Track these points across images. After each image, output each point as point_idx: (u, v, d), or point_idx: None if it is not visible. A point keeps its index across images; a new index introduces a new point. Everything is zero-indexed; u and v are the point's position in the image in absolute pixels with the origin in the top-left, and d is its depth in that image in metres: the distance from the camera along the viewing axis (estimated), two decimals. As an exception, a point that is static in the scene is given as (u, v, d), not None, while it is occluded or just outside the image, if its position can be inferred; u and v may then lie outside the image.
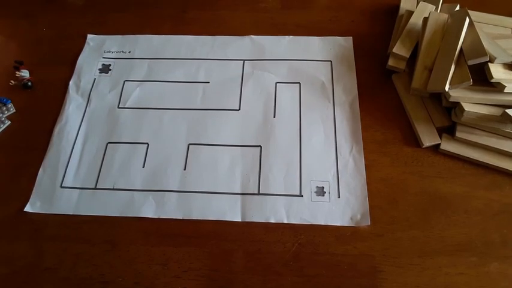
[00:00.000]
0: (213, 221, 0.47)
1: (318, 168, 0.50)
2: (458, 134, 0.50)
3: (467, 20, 0.52)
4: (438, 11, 0.60)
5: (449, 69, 0.50)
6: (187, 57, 0.61)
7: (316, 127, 0.53)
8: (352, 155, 0.51)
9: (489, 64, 0.49)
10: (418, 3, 0.62)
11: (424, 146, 0.51)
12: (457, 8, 0.59)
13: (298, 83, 0.57)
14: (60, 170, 0.52)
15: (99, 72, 0.60)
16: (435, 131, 0.51)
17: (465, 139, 0.50)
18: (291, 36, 0.63)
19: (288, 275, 0.44)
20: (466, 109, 0.48)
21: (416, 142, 0.52)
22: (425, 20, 0.56)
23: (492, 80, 0.48)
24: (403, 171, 0.50)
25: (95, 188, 0.50)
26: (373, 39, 0.61)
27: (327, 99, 0.56)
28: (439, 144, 0.50)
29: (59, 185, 0.50)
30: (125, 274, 0.45)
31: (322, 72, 0.58)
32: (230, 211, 0.48)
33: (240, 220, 0.47)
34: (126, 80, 0.59)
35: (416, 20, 0.58)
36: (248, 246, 0.46)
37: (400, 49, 0.56)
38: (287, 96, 0.56)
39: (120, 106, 0.57)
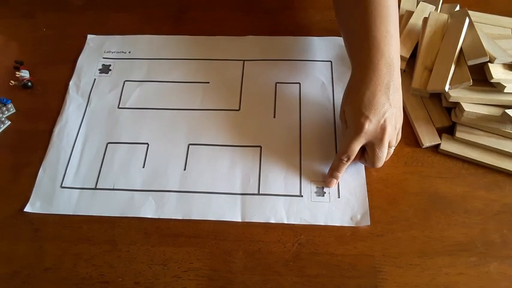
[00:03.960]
0: (213, 221, 0.47)
1: (317, 169, 0.50)
2: (458, 134, 0.50)
3: (467, 20, 0.52)
4: (438, 11, 0.60)
5: (449, 69, 0.50)
6: (187, 57, 0.61)
7: (316, 127, 0.53)
8: (352, 155, 0.51)
9: (489, 64, 0.49)
10: (418, 3, 0.62)
11: (424, 146, 0.51)
12: (457, 8, 0.59)
13: (298, 83, 0.58)
14: (60, 170, 0.52)
15: (99, 73, 0.60)
16: (435, 131, 0.51)
17: (465, 139, 0.50)
18: (291, 36, 0.63)
19: (288, 275, 0.44)
20: (466, 109, 0.48)
21: (416, 142, 0.52)
22: (425, 20, 0.56)
23: (492, 80, 0.48)
24: (403, 171, 0.50)
25: (95, 188, 0.50)
26: (373, 39, 0.61)
27: (327, 99, 0.56)
28: (439, 144, 0.50)
29: (59, 185, 0.51)
30: (125, 274, 0.45)
31: (322, 72, 0.58)
32: (230, 211, 0.48)
33: (240, 220, 0.47)
34: (126, 80, 0.59)
35: (416, 20, 0.58)
36: (248, 246, 0.46)
37: (400, 49, 0.56)
38: (287, 96, 0.56)
39: (120, 106, 0.57)
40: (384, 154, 0.45)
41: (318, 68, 0.59)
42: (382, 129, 0.43)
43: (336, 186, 0.49)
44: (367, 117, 0.43)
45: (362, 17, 0.46)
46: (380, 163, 0.46)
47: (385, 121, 0.43)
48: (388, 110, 0.43)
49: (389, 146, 0.46)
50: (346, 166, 0.47)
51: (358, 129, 0.44)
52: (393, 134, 0.45)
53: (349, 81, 0.48)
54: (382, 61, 0.44)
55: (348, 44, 0.51)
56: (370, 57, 0.44)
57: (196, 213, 0.48)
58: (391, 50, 0.45)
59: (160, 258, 0.45)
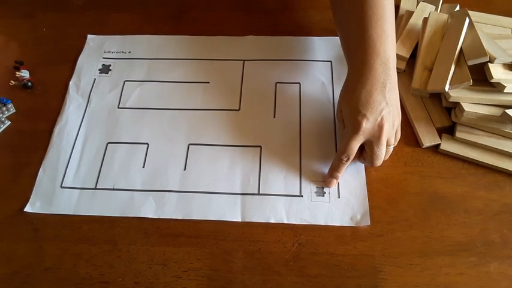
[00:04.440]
0: (213, 221, 0.47)
1: (317, 169, 0.50)
2: (458, 134, 0.50)
3: (467, 20, 0.52)
4: (438, 11, 0.60)
5: (449, 69, 0.50)
6: (187, 57, 0.61)
7: (316, 127, 0.53)
8: (352, 155, 0.51)
9: (489, 64, 0.49)
10: (418, 3, 0.62)
11: (424, 146, 0.51)
12: (457, 8, 0.59)
13: (298, 83, 0.58)
14: (60, 170, 0.52)
15: (99, 73, 0.60)
16: (435, 131, 0.51)
17: (465, 139, 0.50)
18: (291, 36, 0.63)
19: (288, 275, 0.44)
20: (466, 109, 0.48)
21: (416, 142, 0.52)
22: (425, 20, 0.56)
23: (492, 80, 0.48)
24: (403, 171, 0.50)
25: (95, 188, 0.50)
26: (373, 39, 0.61)
27: (327, 99, 0.56)
28: (439, 144, 0.50)
29: (59, 185, 0.50)
30: (125, 274, 0.45)
31: (322, 72, 0.58)
32: (230, 211, 0.48)
33: (240, 220, 0.47)
34: (126, 80, 0.59)
35: (416, 20, 0.58)
36: (248, 246, 0.46)
37: (400, 49, 0.56)
38: (287, 96, 0.56)
39: (120, 106, 0.57)
40: (383, 152, 0.45)
41: (318, 68, 0.59)
42: (380, 127, 0.44)
43: (336, 186, 0.49)
44: (364, 116, 0.43)
45: (358, 17, 0.46)
46: (379, 162, 0.46)
47: (382, 119, 0.43)
48: (385, 108, 0.44)
49: (388, 145, 0.46)
50: (346, 166, 0.47)
51: (356, 128, 0.44)
52: (391, 132, 0.45)
53: (345, 80, 0.48)
54: (377, 60, 0.44)
55: (344, 44, 0.51)
56: (366, 57, 0.45)
57: (196, 213, 0.48)
58: (387, 49, 0.45)
59: (160, 258, 0.45)
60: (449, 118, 0.52)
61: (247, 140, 0.53)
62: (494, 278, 0.43)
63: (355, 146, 0.45)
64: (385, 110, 0.44)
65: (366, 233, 0.46)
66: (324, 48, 0.61)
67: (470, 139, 0.49)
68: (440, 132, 0.51)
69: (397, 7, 0.63)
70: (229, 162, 0.51)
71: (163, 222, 0.48)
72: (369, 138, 0.45)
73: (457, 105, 0.50)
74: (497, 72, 0.48)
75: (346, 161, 0.46)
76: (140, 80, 0.59)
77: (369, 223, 0.46)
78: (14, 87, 0.59)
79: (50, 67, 0.61)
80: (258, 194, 0.49)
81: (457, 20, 0.53)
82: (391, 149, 0.47)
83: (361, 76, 0.45)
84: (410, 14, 0.60)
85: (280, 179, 0.50)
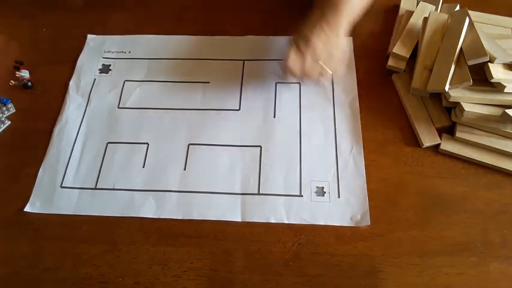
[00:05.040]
0: (213, 221, 0.47)
1: (318, 168, 0.50)
2: (458, 134, 0.50)
3: (467, 20, 0.52)
4: (438, 11, 0.60)
5: (449, 69, 0.50)
6: (187, 57, 0.61)
7: (316, 127, 0.53)
8: (352, 155, 0.51)
9: (489, 64, 0.49)
10: (418, 3, 0.62)
11: (424, 146, 0.51)
12: (457, 8, 0.59)
13: (298, 83, 0.58)
14: (60, 170, 0.52)
15: (99, 72, 0.60)
16: (435, 131, 0.51)
17: (465, 139, 0.50)
18: (291, 36, 0.62)
19: (288, 275, 0.44)
20: (466, 109, 0.48)
21: (416, 142, 0.52)
22: (425, 20, 0.56)
23: (492, 80, 0.48)
24: (403, 171, 0.50)
25: (95, 188, 0.50)
26: (373, 39, 0.61)
27: (327, 99, 0.56)
28: (439, 144, 0.50)
29: (59, 185, 0.51)
30: (125, 274, 0.45)
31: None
32: (230, 211, 0.48)
33: (240, 220, 0.47)
34: (126, 80, 0.59)
35: (416, 20, 0.58)
36: (248, 246, 0.46)
37: (400, 49, 0.56)
38: (287, 96, 0.56)
39: (120, 106, 0.57)
40: (309, 63, 0.49)
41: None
42: (310, 42, 0.49)
43: (336, 186, 0.49)
44: (299, 35, 0.50)
45: None
46: (307, 73, 0.50)
47: (313, 36, 0.49)
48: (320, 32, 0.49)
49: (319, 60, 0.50)
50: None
51: (291, 44, 0.51)
52: (323, 50, 0.49)
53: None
54: (329, 7, 0.50)
55: None
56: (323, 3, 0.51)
57: (196, 213, 0.48)
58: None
59: (160, 258, 0.45)
60: (449, 118, 0.52)
61: (247, 140, 0.53)
62: (494, 278, 0.43)
63: (292, 56, 0.50)
64: (319, 34, 0.49)
65: (366, 233, 0.46)
66: (324, 48, 0.61)
67: (470, 139, 0.49)
68: (440, 132, 0.51)
69: (397, 7, 0.64)
70: (229, 162, 0.51)
71: (163, 222, 0.48)
72: (301, 50, 0.50)
73: (457, 105, 0.50)
74: (497, 72, 0.48)
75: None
76: (140, 80, 0.59)
77: (368, 223, 0.46)
78: (14, 87, 0.59)
79: (50, 67, 0.61)
80: (258, 194, 0.49)
81: (457, 20, 0.53)
82: (327, 70, 0.51)
83: (312, 16, 0.51)
84: (410, 14, 0.60)
85: (280, 179, 0.50)
